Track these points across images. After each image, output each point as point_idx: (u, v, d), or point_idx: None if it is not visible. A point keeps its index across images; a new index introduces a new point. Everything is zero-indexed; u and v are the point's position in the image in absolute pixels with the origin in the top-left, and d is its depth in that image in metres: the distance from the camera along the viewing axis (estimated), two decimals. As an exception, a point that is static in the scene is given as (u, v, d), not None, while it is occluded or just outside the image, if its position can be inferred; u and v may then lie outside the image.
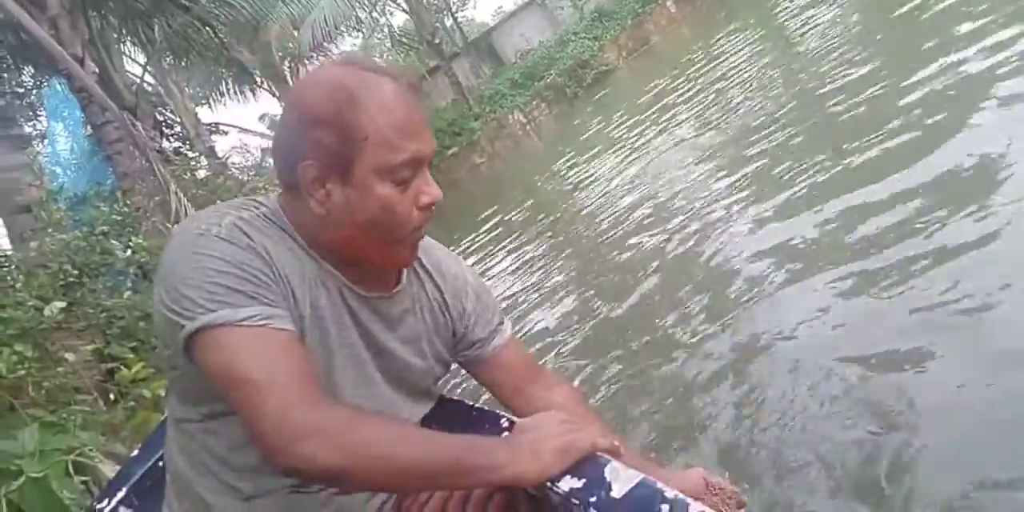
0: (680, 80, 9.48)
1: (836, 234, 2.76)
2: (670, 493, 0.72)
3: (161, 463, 1.10)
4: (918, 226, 2.41)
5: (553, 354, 3.25)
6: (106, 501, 1.27)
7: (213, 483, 0.95)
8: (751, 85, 6.51)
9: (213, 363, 0.82)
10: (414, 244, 0.97)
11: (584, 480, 0.82)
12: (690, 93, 8.21)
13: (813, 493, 1.53)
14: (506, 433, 0.96)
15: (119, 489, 1.28)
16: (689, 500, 0.70)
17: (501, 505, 1.04)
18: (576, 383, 2.73)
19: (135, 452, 1.40)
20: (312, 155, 0.86)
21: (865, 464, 1.50)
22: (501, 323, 1.12)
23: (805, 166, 3.62)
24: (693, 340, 2.61)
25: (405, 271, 1.04)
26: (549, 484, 0.84)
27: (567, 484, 0.82)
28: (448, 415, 1.10)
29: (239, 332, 0.82)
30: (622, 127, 9.04)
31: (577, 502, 0.79)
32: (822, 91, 4.78)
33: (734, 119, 5.78)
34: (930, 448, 1.47)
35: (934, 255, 2.17)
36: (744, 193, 4.00)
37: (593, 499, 0.78)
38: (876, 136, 3.39)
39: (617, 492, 0.77)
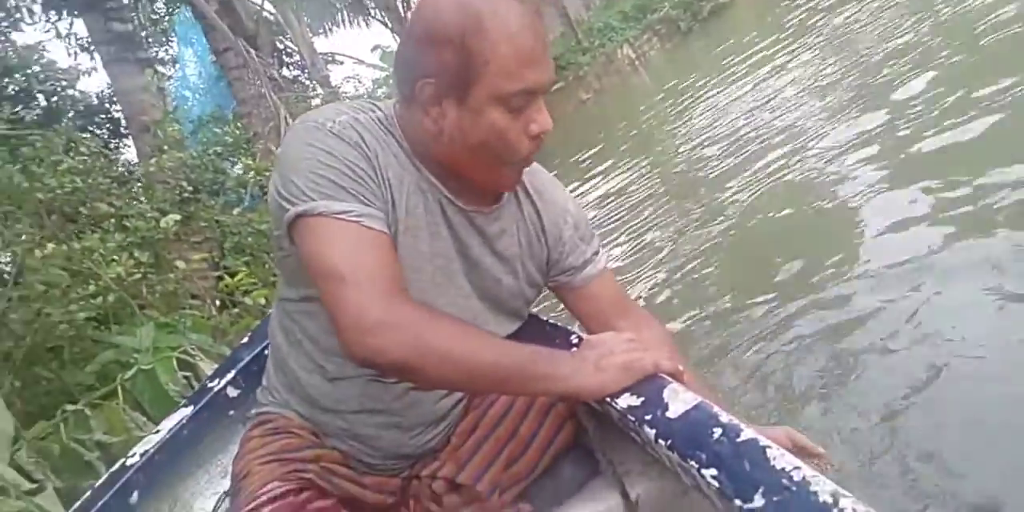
0: (808, 13, 8.77)
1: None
2: (725, 417, 0.72)
3: (267, 351, 1.19)
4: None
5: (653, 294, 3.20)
6: (217, 380, 1.41)
7: (304, 361, 1.04)
8: (886, 24, 5.93)
9: (307, 249, 0.88)
10: (520, 169, 0.99)
11: (643, 398, 0.83)
12: (817, 30, 7.59)
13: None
14: (575, 349, 0.98)
15: (229, 370, 1.42)
16: (743, 425, 0.69)
17: (563, 415, 1.10)
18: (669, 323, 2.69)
19: (245, 339, 1.55)
20: (432, 73, 0.88)
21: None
22: (596, 253, 1.13)
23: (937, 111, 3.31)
24: (795, 292, 2.48)
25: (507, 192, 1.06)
26: (609, 400, 0.86)
27: (626, 401, 0.84)
28: (522, 327, 1.13)
29: (334, 224, 0.86)
30: (739, 64, 8.49)
31: (633, 419, 0.81)
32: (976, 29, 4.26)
33: (860, 59, 5.33)
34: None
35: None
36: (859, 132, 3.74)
37: (649, 417, 0.79)
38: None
39: (673, 412, 0.77)
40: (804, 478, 0.59)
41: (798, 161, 3.96)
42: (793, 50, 7.33)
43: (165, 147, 4.35)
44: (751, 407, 1.90)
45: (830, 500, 0.55)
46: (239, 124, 5.86)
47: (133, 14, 10.45)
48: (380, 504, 1.06)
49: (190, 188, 4.12)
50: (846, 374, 1.85)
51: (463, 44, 0.85)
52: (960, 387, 1.57)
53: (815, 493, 0.57)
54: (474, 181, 0.98)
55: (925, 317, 1.91)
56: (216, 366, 1.58)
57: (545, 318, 1.16)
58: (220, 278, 3.92)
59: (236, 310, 3.43)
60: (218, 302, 3.75)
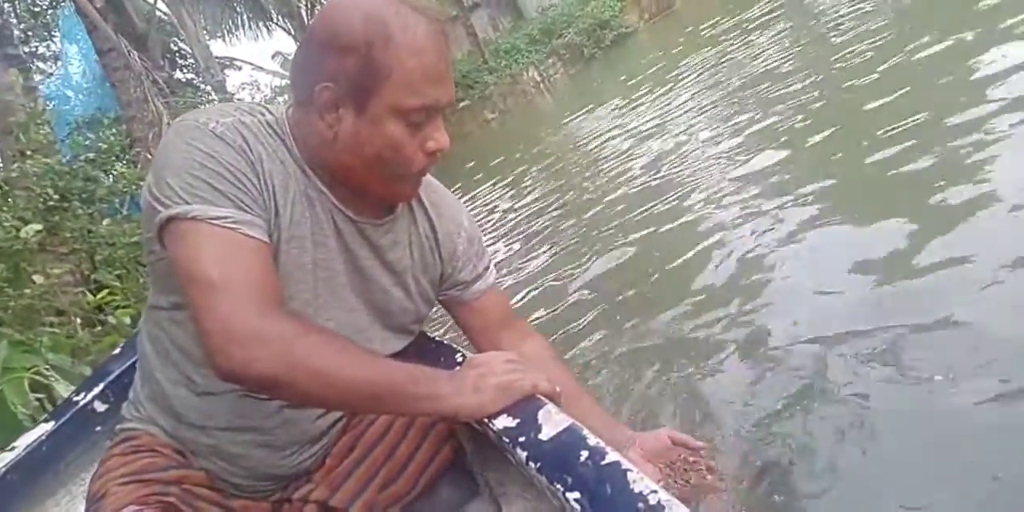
0: (702, 48, 9.26)
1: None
2: (593, 441, 0.74)
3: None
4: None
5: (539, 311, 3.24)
6: (83, 394, 1.32)
7: (172, 373, 0.98)
8: (776, 57, 6.33)
9: (178, 254, 0.84)
10: (415, 182, 0.97)
11: (518, 420, 0.84)
12: (710, 62, 8.02)
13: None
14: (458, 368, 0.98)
15: (96, 384, 1.33)
16: (609, 449, 0.72)
17: (442, 435, 1.08)
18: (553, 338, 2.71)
19: (116, 350, 1.46)
20: (332, 78, 0.86)
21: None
22: (487, 269, 1.14)
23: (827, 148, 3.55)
24: (689, 294, 2.57)
25: (400, 203, 1.04)
26: (487, 420, 0.86)
27: (502, 422, 0.85)
28: (408, 344, 1.12)
29: (208, 229, 0.82)
30: (637, 91, 8.85)
31: (507, 441, 0.82)
32: (845, 66, 4.63)
33: (750, 90, 5.66)
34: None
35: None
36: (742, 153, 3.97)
37: (522, 439, 0.80)
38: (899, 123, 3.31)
39: (545, 435, 0.79)
40: (659, 502, 0.61)
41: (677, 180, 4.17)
42: (685, 81, 7.69)
43: (29, 152, 4.02)
44: (633, 412, 1.94)
45: None
46: (117, 129, 5.51)
47: (6, 5, 9.71)
48: None
49: (56, 196, 3.82)
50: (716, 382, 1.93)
51: (368, 53, 0.84)
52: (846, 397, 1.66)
53: None
54: (366, 191, 0.96)
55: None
56: (76, 386, 1.47)
57: (431, 335, 1.15)
58: (88, 293, 3.65)
59: (99, 328, 3.19)
60: (85, 319, 3.48)
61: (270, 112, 0.95)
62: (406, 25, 0.85)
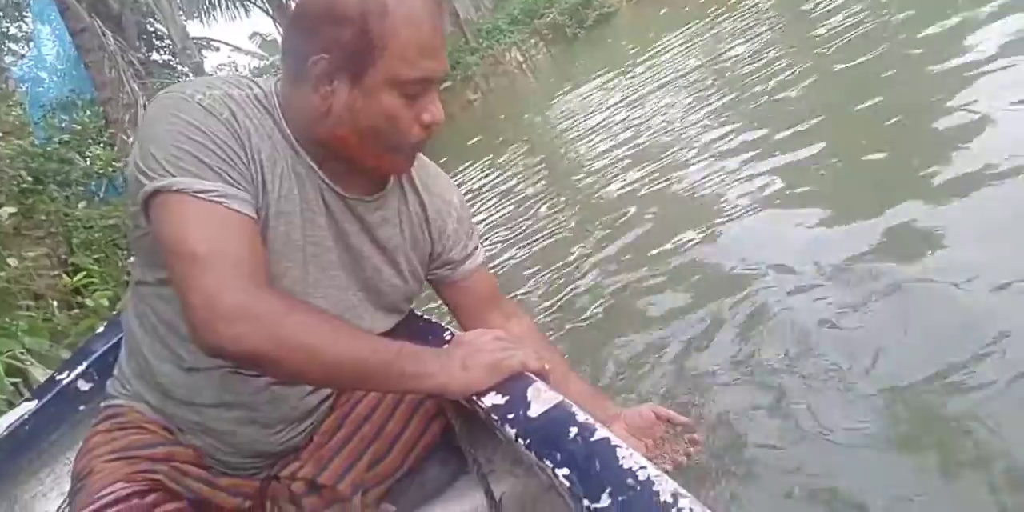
0: (682, 26, 9.22)
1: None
2: (582, 417, 0.74)
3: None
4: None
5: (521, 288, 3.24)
6: (66, 373, 1.31)
7: (159, 348, 0.97)
8: (756, 38, 6.33)
9: (162, 228, 0.82)
10: (411, 154, 0.96)
11: (507, 398, 0.84)
12: (689, 40, 8.00)
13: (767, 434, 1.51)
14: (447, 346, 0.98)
15: (80, 362, 1.32)
16: (598, 425, 0.72)
17: (430, 413, 1.07)
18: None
19: (99, 329, 1.45)
20: (327, 50, 0.84)
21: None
22: (476, 248, 1.14)
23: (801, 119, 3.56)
24: (660, 270, 2.59)
25: (391, 180, 1.03)
26: (475, 398, 0.86)
27: (491, 400, 0.85)
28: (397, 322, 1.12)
29: (194, 203, 0.81)
30: (620, 70, 8.81)
31: (496, 418, 0.82)
32: (826, 51, 4.64)
33: (731, 69, 5.65)
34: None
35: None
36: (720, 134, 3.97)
37: (511, 416, 0.80)
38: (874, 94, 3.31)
39: (534, 412, 0.79)
40: (648, 478, 0.61)
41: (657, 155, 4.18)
42: (667, 59, 7.66)
43: (1, 134, 3.92)
44: (619, 391, 1.95)
45: (670, 500, 0.58)
46: (92, 111, 5.39)
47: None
48: (235, 507, 1.00)
49: (30, 178, 3.73)
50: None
51: (364, 25, 0.82)
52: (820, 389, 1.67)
53: (657, 493, 0.59)
54: (358, 165, 0.94)
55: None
56: (47, 373, 1.45)
57: (420, 313, 1.15)
58: (65, 276, 3.58)
59: (77, 311, 3.13)
60: (63, 302, 3.42)
61: (259, 86, 0.93)
62: None
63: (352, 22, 0.82)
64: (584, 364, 2.14)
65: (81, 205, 3.90)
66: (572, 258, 3.29)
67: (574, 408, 0.76)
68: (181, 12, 17.68)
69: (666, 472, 0.62)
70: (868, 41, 4.13)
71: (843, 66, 4.05)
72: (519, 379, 0.86)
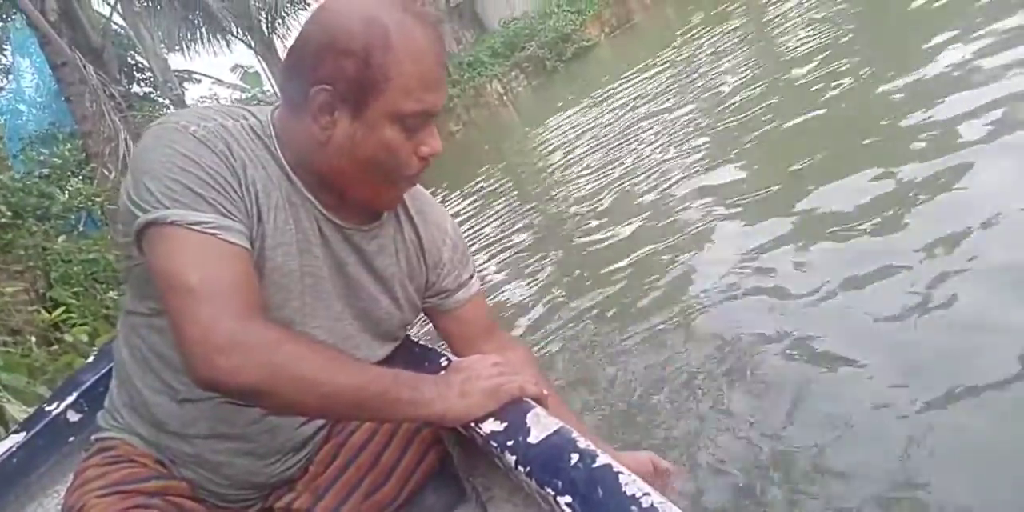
0: (657, 61, 9.42)
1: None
2: (583, 443, 0.73)
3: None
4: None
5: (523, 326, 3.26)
6: (56, 404, 1.28)
7: (151, 379, 0.96)
8: (728, 71, 6.49)
9: (156, 260, 0.82)
10: (403, 189, 0.97)
11: (506, 424, 0.83)
12: (665, 74, 8.18)
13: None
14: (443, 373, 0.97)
15: (70, 393, 1.30)
16: (599, 451, 0.70)
17: (428, 441, 1.06)
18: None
19: (90, 359, 1.43)
20: (330, 82, 0.84)
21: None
22: (471, 277, 1.13)
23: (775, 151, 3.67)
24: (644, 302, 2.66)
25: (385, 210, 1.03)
26: (473, 425, 0.85)
27: (490, 426, 0.84)
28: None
29: (187, 235, 0.81)
30: (599, 103, 8.96)
31: (495, 445, 0.80)
32: (800, 82, 4.79)
33: (704, 100, 5.79)
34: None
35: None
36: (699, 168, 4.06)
37: (511, 443, 0.79)
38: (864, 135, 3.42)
39: (534, 438, 0.77)
40: (652, 505, 0.60)
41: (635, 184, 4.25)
42: (644, 92, 7.82)
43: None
44: (614, 428, 1.97)
45: None
46: (72, 144, 5.38)
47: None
48: None
49: (9, 213, 3.70)
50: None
51: (368, 58, 0.83)
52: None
53: None
54: (354, 197, 0.95)
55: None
56: (24, 410, 1.43)
57: (415, 340, 1.14)
58: (44, 311, 3.54)
59: (55, 347, 3.10)
60: (41, 337, 3.37)
61: (254, 115, 0.93)
62: (403, 29, 0.84)
63: (356, 55, 0.83)
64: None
65: (60, 239, 3.86)
66: (550, 278, 3.33)
67: (575, 434, 0.75)
68: (163, 45, 17.73)
69: (670, 500, 0.61)
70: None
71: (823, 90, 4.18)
72: (518, 405, 0.85)
